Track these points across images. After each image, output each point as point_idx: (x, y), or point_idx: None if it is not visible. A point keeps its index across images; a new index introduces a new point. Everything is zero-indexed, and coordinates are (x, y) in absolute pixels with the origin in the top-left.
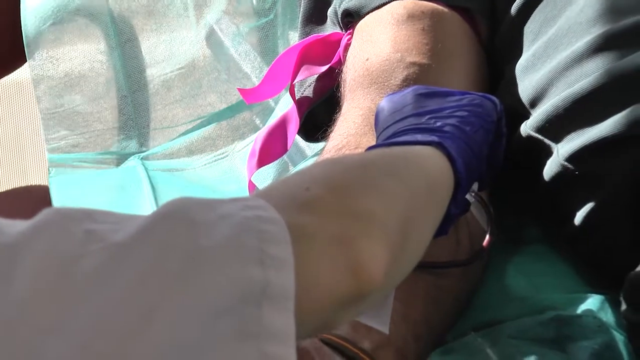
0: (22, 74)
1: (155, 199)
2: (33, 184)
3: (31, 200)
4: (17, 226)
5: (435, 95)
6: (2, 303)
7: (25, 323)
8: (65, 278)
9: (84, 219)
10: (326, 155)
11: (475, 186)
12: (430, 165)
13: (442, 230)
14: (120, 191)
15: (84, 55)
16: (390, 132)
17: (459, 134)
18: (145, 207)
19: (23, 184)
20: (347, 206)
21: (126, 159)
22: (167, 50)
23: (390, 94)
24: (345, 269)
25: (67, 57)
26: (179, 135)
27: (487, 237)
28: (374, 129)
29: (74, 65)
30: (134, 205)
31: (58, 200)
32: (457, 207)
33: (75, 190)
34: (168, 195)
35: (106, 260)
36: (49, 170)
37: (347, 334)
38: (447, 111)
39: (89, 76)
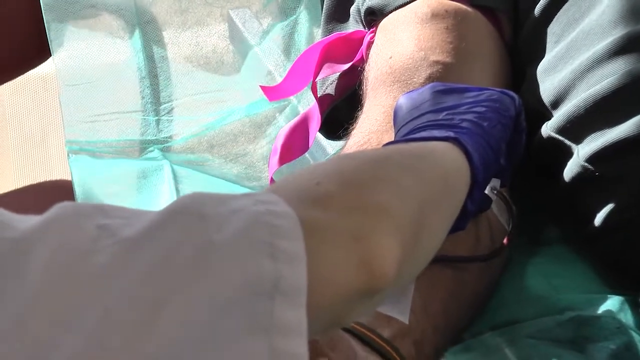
0: (46, 68)
1: (177, 188)
2: (58, 178)
3: (56, 194)
4: (28, 221)
5: (452, 91)
6: (14, 297)
7: (37, 317)
8: (77, 273)
9: (95, 214)
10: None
11: (497, 183)
12: (447, 160)
13: (459, 225)
14: (142, 179)
15: (105, 28)
16: (408, 129)
17: (476, 130)
18: (166, 195)
19: (48, 178)
20: (359, 200)
21: (146, 148)
22: (192, 40)
23: (409, 92)
24: (357, 264)
25: (88, 28)
26: (199, 127)
27: (508, 234)
28: None
29: (94, 40)
30: (155, 194)
31: (80, 187)
32: (473, 203)
33: (97, 177)
34: (189, 184)
35: (117, 255)
36: (68, 156)
37: (367, 321)
38: (465, 107)
39: (109, 51)
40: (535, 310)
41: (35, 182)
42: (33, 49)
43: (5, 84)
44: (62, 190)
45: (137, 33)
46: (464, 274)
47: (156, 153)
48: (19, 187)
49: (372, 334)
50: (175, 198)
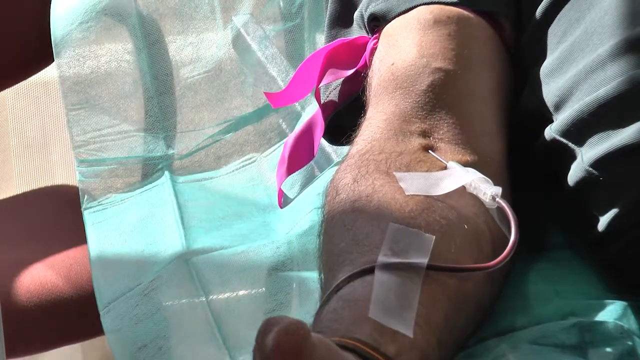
0: (49, 73)
1: (182, 217)
2: (59, 184)
3: (57, 199)
4: None
5: None
6: None
7: None
8: None
9: None
10: (350, 160)
11: (498, 191)
12: None
13: None
14: (150, 218)
15: (111, 54)
16: None
17: None
18: (171, 226)
19: (49, 183)
20: None
21: (153, 164)
22: (193, 53)
23: None
24: None
25: (93, 55)
26: (206, 139)
27: (511, 241)
28: (397, 134)
29: (100, 64)
30: (162, 228)
31: (94, 241)
32: None
33: (109, 226)
34: (195, 212)
35: None
36: (80, 194)
37: (370, 337)
38: None
39: (116, 75)
40: (539, 316)
41: (37, 188)
42: (36, 54)
43: (7, 89)
44: (63, 195)
45: (144, 55)
46: (467, 284)
47: (165, 177)
48: (21, 192)
49: (377, 354)
50: (180, 228)
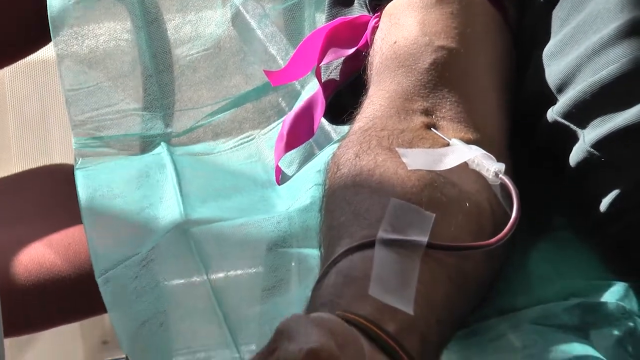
0: (47, 52)
1: (180, 184)
2: (58, 163)
3: (56, 178)
4: None
5: None
6: None
7: None
8: None
9: None
10: (352, 136)
11: (502, 167)
12: None
13: None
14: (145, 178)
15: (110, 33)
16: None
17: None
18: (169, 191)
19: (48, 162)
20: None
21: (151, 141)
22: (192, 31)
23: None
24: None
25: (92, 34)
26: (205, 117)
27: (513, 217)
28: (400, 112)
29: (99, 43)
30: (158, 191)
31: (83, 190)
32: None
33: (100, 180)
34: (192, 180)
35: None
36: (75, 159)
37: (371, 314)
38: None
39: (114, 54)
40: (540, 296)
41: (35, 167)
42: (35, 32)
43: (5, 68)
44: (62, 174)
45: (142, 33)
46: (467, 263)
47: (162, 148)
48: (19, 171)
49: (377, 329)
50: (177, 193)
